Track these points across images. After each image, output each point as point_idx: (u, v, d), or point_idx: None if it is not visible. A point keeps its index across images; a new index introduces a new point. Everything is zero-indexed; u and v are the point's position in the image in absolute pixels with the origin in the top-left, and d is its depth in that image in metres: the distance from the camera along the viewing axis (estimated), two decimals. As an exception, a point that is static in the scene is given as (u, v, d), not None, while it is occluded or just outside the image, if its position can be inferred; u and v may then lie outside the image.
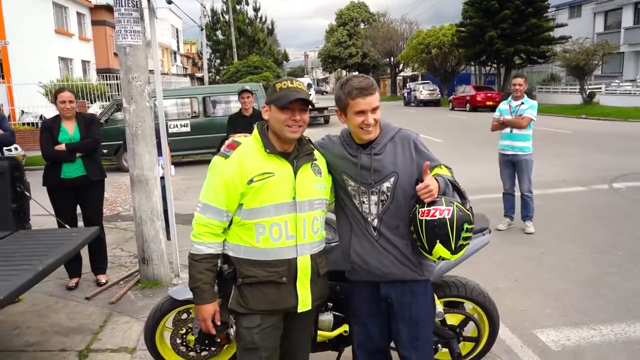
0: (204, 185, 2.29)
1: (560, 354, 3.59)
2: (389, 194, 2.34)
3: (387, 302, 2.45)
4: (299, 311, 2.32)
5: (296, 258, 2.28)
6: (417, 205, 2.25)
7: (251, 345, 2.33)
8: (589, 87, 27.90)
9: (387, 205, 2.35)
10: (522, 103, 6.20)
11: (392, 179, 2.34)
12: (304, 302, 2.32)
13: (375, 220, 2.37)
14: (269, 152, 2.24)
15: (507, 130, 6.27)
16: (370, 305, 2.49)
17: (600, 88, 28.25)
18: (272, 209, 2.21)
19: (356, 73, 2.77)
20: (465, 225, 2.20)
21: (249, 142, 2.30)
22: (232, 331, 2.56)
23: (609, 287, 4.68)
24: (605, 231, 6.29)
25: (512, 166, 6.36)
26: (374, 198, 2.35)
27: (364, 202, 2.37)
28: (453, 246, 2.21)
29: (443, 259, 2.29)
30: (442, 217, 2.17)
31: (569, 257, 5.48)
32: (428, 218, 2.19)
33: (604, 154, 12.05)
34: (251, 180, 2.19)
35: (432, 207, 2.19)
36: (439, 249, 2.21)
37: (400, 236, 2.36)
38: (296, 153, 2.30)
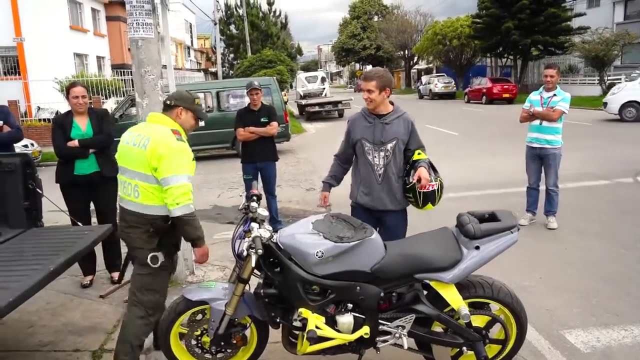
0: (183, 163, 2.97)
1: (591, 356, 3.44)
2: (391, 151, 3.55)
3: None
4: None
5: None
6: (415, 182, 3.39)
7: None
8: (609, 78, 27.33)
9: (389, 159, 3.56)
10: (555, 95, 5.97)
11: (394, 142, 3.55)
12: None
13: (381, 170, 3.58)
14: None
15: (537, 122, 6.06)
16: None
17: (620, 79, 27.65)
18: None
19: (378, 67, 3.92)
20: (442, 190, 3.49)
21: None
22: (247, 332, 3.00)
23: (637, 285, 4.50)
24: (631, 226, 6.08)
25: (539, 160, 6.15)
26: (382, 154, 3.56)
27: (374, 157, 3.58)
28: (437, 203, 3.49)
29: (429, 209, 3.51)
30: (433, 189, 3.42)
31: (594, 253, 5.30)
32: (424, 191, 3.41)
33: (625, 147, 11.73)
34: (193, 158, 3.10)
35: (427, 184, 3.35)
36: (428, 206, 3.48)
37: (395, 180, 3.60)
38: None
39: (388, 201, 3.63)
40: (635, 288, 4.44)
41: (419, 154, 3.56)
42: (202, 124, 3.41)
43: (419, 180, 3.35)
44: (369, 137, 3.59)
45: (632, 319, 3.89)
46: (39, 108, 19.63)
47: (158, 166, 2.88)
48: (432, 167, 3.54)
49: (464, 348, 2.99)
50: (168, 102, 3.15)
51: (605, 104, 17.70)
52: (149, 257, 3.00)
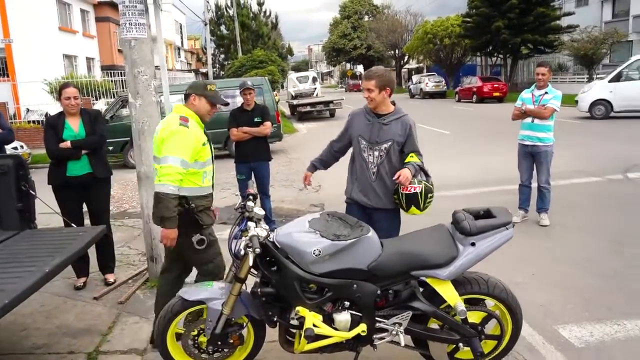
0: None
1: (584, 350, 3.47)
2: (385, 152, 3.56)
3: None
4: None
5: (212, 192, 3.49)
6: (399, 184, 3.40)
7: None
8: (598, 76, 27.57)
9: (383, 159, 3.57)
10: (546, 93, 6.02)
11: (389, 143, 3.56)
12: None
13: (375, 168, 3.60)
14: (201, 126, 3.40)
15: (529, 120, 6.10)
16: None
17: (609, 77, 27.89)
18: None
19: (379, 66, 3.84)
20: (429, 195, 3.44)
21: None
22: (244, 332, 3.03)
23: (630, 280, 4.54)
24: (622, 222, 6.14)
25: (531, 157, 6.20)
26: (376, 153, 3.57)
27: (369, 155, 3.60)
28: (422, 207, 3.44)
29: (415, 213, 3.49)
30: (415, 192, 3.39)
31: (586, 249, 5.35)
32: (406, 192, 3.41)
33: (614, 144, 11.84)
34: (204, 143, 3.33)
35: (409, 186, 3.38)
36: (413, 210, 3.46)
37: (388, 180, 3.58)
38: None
39: (381, 199, 3.65)
40: (627, 283, 4.48)
41: (411, 157, 3.58)
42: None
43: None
44: (366, 135, 3.63)
45: (624, 314, 3.92)
46: (28, 110, 19.48)
47: (162, 148, 3.19)
48: (423, 171, 3.54)
49: (460, 344, 3.00)
50: (185, 92, 3.44)
51: (577, 102, 18.06)
52: (195, 241, 3.26)
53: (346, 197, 3.88)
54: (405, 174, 3.36)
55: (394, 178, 3.44)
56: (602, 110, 17.29)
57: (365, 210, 3.71)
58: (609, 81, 17.50)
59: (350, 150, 3.86)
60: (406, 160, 3.56)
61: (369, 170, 3.65)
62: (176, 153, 3.12)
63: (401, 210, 3.69)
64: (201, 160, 3.31)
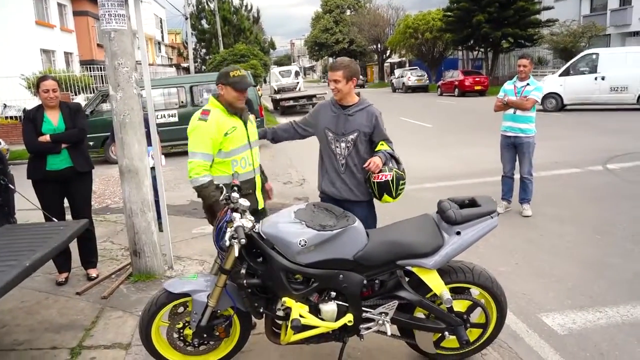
0: None
1: (567, 337, 3.52)
2: (352, 143, 3.55)
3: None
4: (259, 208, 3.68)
5: (254, 177, 3.63)
6: (370, 172, 3.40)
7: None
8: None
9: (350, 150, 3.56)
10: (528, 84, 6.08)
11: (355, 134, 3.54)
12: (261, 204, 3.71)
13: (343, 160, 3.59)
14: (230, 113, 3.49)
15: (511, 111, 6.16)
16: None
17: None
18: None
19: (344, 57, 3.83)
20: (401, 182, 3.42)
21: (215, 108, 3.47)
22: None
23: (611, 268, 4.62)
24: (603, 212, 6.23)
25: (514, 148, 6.26)
26: (343, 145, 3.57)
27: (336, 147, 3.59)
28: (394, 195, 3.41)
29: (388, 201, 3.45)
30: (386, 179, 3.37)
31: (568, 239, 5.42)
32: (377, 181, 3.39)
33: (594, 136, 12.03)
34: (226, 133, 3.41)
35: (379, 174, 3.37)
36: (386, 198, 3.43)
37: (357, 171, 3.58)
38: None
39: (352, 191, 3.64)
40: (608, 271, 4.56)
41: (381, 144, 3.56)
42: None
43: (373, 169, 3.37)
44: (332, 127, 3.61)
45: (606, 301, 3.99)
46: (5, 105, 19.08)
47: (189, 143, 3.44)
48: (394, 159, 3.52)
49: (446, 333, 3.01)
50: (215, 82, 3.61)
51: None
52: None
53: (319, 192, 3.86)
54: (375, 161, 3.35)
55: (364, 166, 3.43)
56: (553, 103, 17.90)
57: (338, 204, 3.60)
58: (559, 75, 18.11)
59: (319, 147, 3.80)
60: (376, 149, 3.56)
61: (337, 162, 3.63)
62: (196, 148, 3.36)
63: (376, 203, 3.66)
64: (225, 150, 3.42)
